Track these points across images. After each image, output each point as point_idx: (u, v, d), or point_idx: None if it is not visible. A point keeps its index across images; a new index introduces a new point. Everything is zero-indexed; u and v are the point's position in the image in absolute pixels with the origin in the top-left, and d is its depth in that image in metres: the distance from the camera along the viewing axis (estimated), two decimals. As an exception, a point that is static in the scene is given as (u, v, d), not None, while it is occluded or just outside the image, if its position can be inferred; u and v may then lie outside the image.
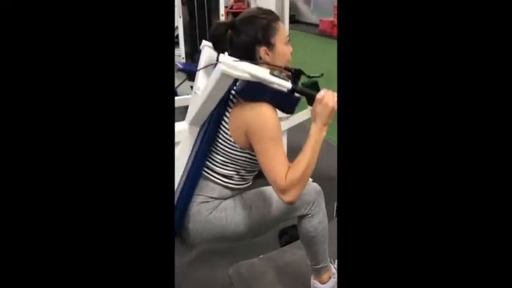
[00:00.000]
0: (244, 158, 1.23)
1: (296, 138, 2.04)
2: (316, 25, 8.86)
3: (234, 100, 1.20)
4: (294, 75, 1.14)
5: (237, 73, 1.06)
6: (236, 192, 1.29)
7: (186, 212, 1.25)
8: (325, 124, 1.12)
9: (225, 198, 1.27)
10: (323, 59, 3.84)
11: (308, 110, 1.31)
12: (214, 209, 1.24)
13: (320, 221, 1.32)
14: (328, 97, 1.10)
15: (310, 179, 1.22)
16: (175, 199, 1.25)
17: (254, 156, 1.18)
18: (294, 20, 10.05)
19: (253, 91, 1.12)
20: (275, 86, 1.11)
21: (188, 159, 1.27)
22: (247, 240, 1.30)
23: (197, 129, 1.27)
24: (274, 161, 1.10)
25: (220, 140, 1.23)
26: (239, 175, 1.26)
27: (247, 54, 1.16)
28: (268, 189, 1.27)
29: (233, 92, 1.21)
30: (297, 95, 1.14)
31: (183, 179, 1.25)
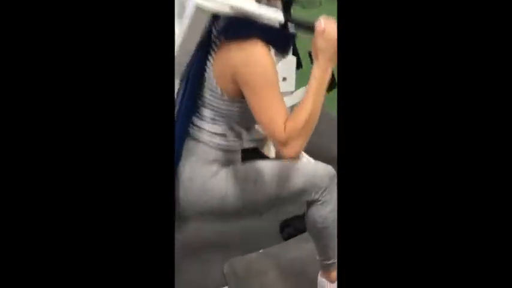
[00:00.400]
0: (236, 110, 1.09)
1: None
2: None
3: (217, 41, 1.05)
4: (285, 2, 1.02)
5: (215, 6, 0.95)
6: (233, 155, 1.16)
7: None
8: (330, 59, 0.98)
9: (223, 164, 1.13)
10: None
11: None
12: (213, 176, 1.10)
13: (332, 210, 1.19)
14: (330, 27, 0.97)
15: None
16: None
17: (247, 105, 1.05)
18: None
19: (239, 27, 0.99)
20: (264, 21, 0.99)
21: None
22: (244, 218, 1.20)
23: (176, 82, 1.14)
24: (271, 109, 0.99)
25: (206, 92, 1.09)
26: (233, 131, 1.12)
27: None
28: (276, 164, 1.17)
29: (215, 32, 1.06)
30: (291, 30, 1.01)
31: None
